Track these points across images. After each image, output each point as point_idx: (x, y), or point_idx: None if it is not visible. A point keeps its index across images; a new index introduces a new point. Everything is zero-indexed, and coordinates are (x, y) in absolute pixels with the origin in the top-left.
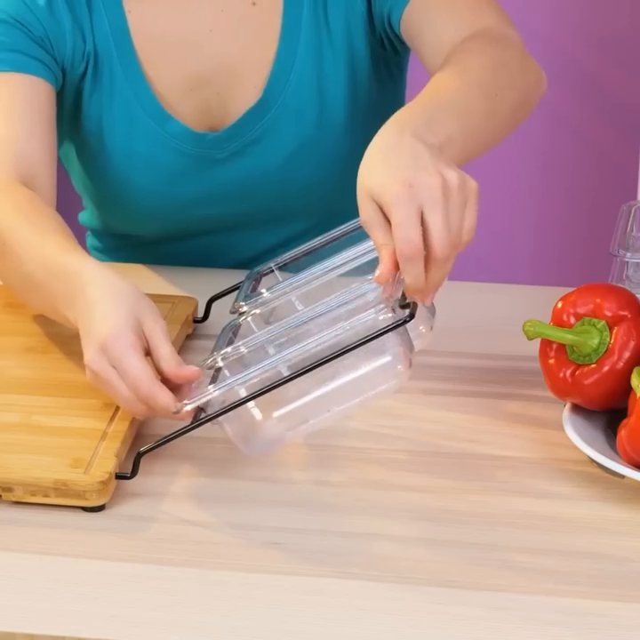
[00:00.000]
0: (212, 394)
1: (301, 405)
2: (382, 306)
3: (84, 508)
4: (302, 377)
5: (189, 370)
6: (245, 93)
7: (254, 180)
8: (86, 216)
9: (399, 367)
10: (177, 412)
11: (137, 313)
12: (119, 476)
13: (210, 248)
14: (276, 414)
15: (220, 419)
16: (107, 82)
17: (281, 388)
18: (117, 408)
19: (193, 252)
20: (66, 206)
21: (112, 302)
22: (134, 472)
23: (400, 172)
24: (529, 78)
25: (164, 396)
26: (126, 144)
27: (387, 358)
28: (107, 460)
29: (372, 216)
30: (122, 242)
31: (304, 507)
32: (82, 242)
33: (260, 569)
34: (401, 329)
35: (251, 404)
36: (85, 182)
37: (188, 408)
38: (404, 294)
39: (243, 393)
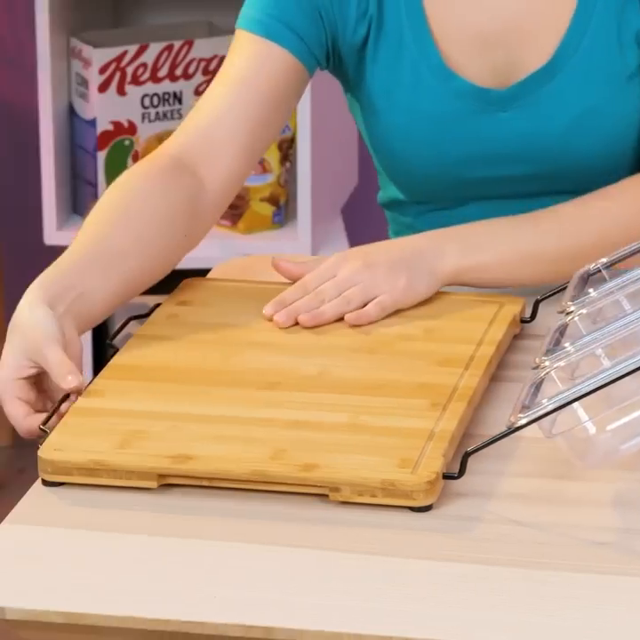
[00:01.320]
0: (546, 408)
1: (636, 418)
2: None
3: (411, 508)
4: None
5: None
6: (535, 55)
7: (533, 143)
8: (381, 194)
9: None
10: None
11: (28, 350)
12: (446, 476)
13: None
14: (609, 427)
15: (554, 432)
16: (393, 42)
17: (614, 398)
18: (445, 408)
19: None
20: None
21: (7, 343)
22: (461, 472)
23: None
24: None
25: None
26: (411, 102)
27: None
28: (434, 459)
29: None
30: (408, 209)
31: (629, 506)
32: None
33: (585, 569)
34: None
35: (584, 417)
36: (373, 145)
37: (523, 422)
38: None
39: (579, 410)
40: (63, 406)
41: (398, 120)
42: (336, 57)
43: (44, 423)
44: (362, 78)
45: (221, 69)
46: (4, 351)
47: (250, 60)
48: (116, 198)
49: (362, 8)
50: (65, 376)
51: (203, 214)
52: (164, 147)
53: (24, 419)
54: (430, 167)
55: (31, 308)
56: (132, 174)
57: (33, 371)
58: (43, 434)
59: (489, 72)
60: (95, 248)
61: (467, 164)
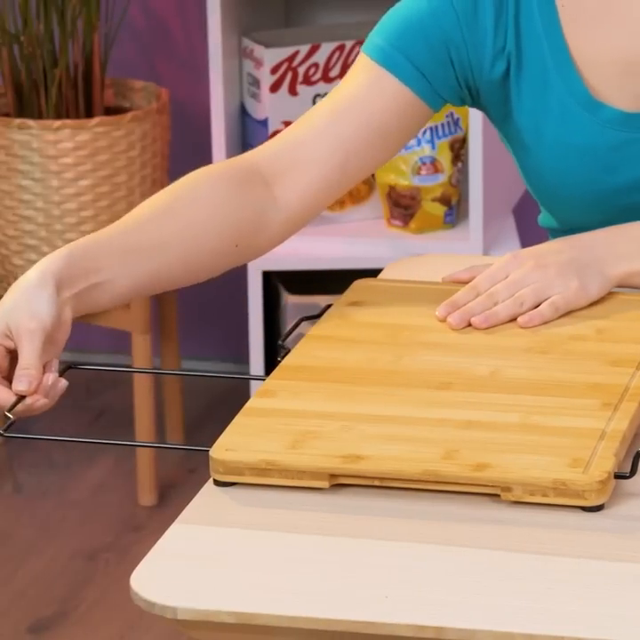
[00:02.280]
0: None
1: None
2: None
3: (583, 508)
4: None
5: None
6: None
7: None
8: (541, 217)
9: None
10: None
11: (11, 322)
12: (618, 476)
13: None
14: None
15: None
16: (537, 76)
17: None
18: (616, 408)
19: None
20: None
21: (6, 298)
22: (633, 471)
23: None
24: None
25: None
26: (560, 135)
27: None
28: (606, 459)
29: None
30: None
31: None
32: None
33: None
34: None
35: None
36: (525, 176)
37: None
38: None
39: None
40: (29, 399)
41: (548, 154)
42: (475, 95)
43: (10, 409)
44: (508, 114)
45: (334, 88)
46: None
47: (361, 86)
48: (173, 189)
49: (498, 45)
50: (21, 377)
51: (267, 231)
52: (252, 153)
53: None
54: (584, 198)
55: (39, 283)
56: (203, 170)
57: (8, 343)
58: (6, 419)
59: (633, 98)
60: (131, 236)
61: (620, 192)
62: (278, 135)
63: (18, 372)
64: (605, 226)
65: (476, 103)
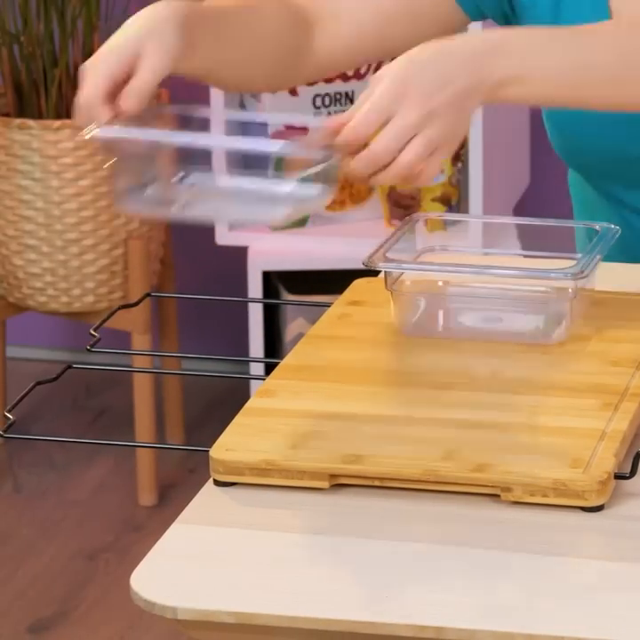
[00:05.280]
0: None
1: None
2: None
3: (583, 508)
4: None
5: (128, 101)
6: None
7: None
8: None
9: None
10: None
11: (141, 41)
12: (618, 476)
13: None
14: None
15: None
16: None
17: None
18: (616, 408)
19: None
20: None
21: (129, 24)
22: (633, 472)
23: (409, 81)
24: None
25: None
26: None
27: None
28: (606, 459)
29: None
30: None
31: None
32: None
33: None
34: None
35: None
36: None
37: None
38: None
39: None
40: None
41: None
42: (514, 11)
43: (10, 410)
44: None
45: None
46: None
47: None
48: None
49: None
50: (134, 97)
51: (302, 67)
52: None
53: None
54: (598, 144)
55: (173, 21)
56: None
57: (135, 64)
58: (6, 420)
59: None
60: (222, 20)
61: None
62: None
63: (137, 84)
64: (626, 177)
65: (516, 20)
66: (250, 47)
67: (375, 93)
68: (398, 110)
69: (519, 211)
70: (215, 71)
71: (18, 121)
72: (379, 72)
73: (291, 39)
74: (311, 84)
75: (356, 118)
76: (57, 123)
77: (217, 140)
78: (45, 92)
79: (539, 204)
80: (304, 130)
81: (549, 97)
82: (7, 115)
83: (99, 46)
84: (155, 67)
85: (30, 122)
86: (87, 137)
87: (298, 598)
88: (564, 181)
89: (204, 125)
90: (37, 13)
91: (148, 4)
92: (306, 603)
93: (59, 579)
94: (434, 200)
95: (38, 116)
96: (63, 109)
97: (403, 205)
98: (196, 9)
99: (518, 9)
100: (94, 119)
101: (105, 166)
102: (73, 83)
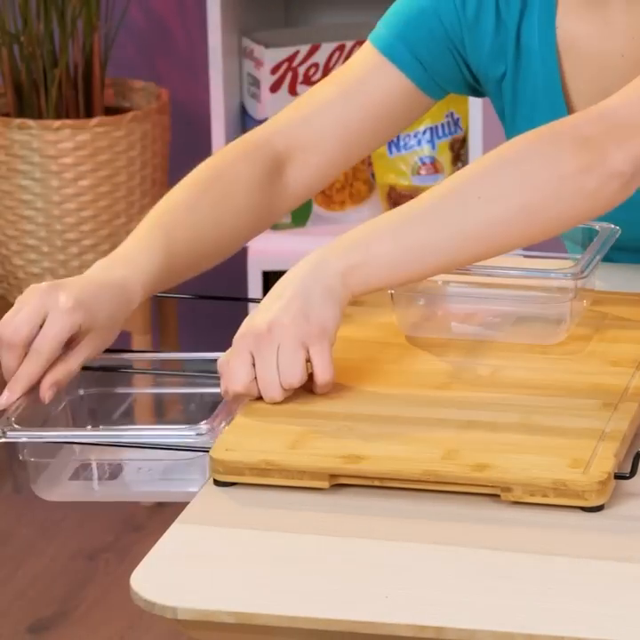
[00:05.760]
0: None
1: None
2: None
3: (583, 508)
4: None
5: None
6: None
7: None
8: None
9: None
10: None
11: (46, 308)
12: (618, 476)
13: None
14: None
15: None
16: (529, 92)
17: None
18: (616, 408)
19: None
20: None
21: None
22: (633, 472)
23: (251, 318)
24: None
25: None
26: None
27: None
28: (606, 460)
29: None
30: None
31: None
32: None
33: None
34: None
35: None
36: None
37: None
38: None
39: None
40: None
41: None
42: (481, 87)
43: None
44: (501, 113)
45: (336, 70)
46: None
47: (364, 71)
48: (214, 165)
49: (495, 52)
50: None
51: (277, 212)
52: (266, 130)
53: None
54: None
55: (125, 295)
56: (239, 150)
57: (76, 331)
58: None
59: None
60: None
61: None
62: (284, 111)
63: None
64: None
65: (485, 94)
66: (225, 232)
67: (233, 354)
68: (257, 353)
69: None
70: (197, 269)
71: (18, 121)
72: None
73: (263, 194)
74: (313, 83)
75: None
76: (57, 123)
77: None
78: (45, 92)
79: None
80: None
81: (393, 278)
82: (7, 115)
83: (99, 46)
84: (88, 351)
85: (30, 122)
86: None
87: (297, 598)
88: None
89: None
90: (37, 13)
91: (149, 5)
92: (306, 603)
93: (59, 579)
94: None
95: (38, 115)
96: (63, 109)
97: None
98: (167, 260)
99: (482, 79)
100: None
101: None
102: (73, 83)
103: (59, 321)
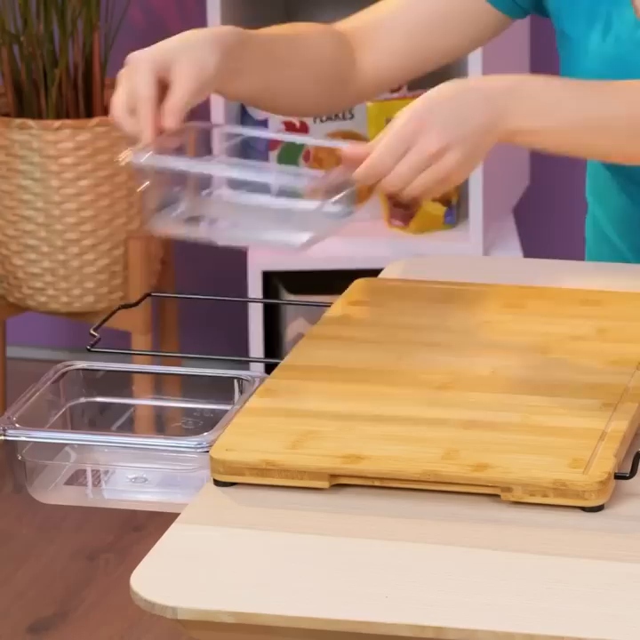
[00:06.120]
0: None
1: None
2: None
3: (583, 509)
4: None
5: (169, 120)
6: None
7: None
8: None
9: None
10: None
11: (173, 56)
12: (618, 476)
13: None
14: None
15: None
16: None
17: None
18: (616, 408)
19: None
20: None
21: (166, 40)
22: (633, 472)
23: (427, 117)
24: None
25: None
26: (603, 49)
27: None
28: (606, 460)
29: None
30: None
31: None
32: None
33: None
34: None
35: None
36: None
37: None
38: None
39: None
40: None
41: (591, 66)
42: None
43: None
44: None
45: None
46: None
47: None
48: (296, 27)
49: None
50: (172, 115)
51: (348, 92)
52: (339, 24)
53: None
54: None
55: (211, 41)
56: (313, 25)
57: (163, 74)
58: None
59: None
60: (269, 45)
61: None
62: (358, 14)
63: (176, 98)
64: None
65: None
66: (297, 73)
67: (394, 127)
68: (416, 143)
69: (519, 211)
70: (262, 96)
71: (18, 121)
72: (398, 112)
73: (336, 65)
74: None
75: (376, 150)
76: (57, 123)
77: (250, 175)
78: (45, 92)
79: (539, 204)
80: (303, 127)
81: (562, 148)
82: (7, 115)
83: (99, 46)
84: (189, 81)
85: (30, 122)
86: (123, 163)
87: (297, 598)
88: (564, 181)
89: (229, 140)
90: (37, 13)
91: (149, 5)
92: (305, 603)
93: (59, 579)
94: (434, 200)
95: (38, 115)
96: (63, 109)
97: (403, 205)
98: (241, 35)
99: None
100: (140, 131)
101: (138, 190)
102: (73, 83)
103: (138, 72)
